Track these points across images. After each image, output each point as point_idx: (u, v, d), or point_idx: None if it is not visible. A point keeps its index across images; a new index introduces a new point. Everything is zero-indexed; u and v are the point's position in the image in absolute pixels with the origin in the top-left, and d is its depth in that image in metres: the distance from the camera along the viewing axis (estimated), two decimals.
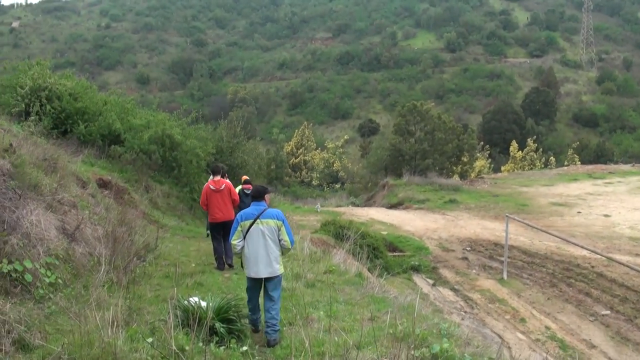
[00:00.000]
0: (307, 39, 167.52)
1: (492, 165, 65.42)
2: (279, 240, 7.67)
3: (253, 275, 7.63)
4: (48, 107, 21.83)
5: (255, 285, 7.77)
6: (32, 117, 21.50)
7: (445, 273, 22.11)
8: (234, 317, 6.71)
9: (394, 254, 23.89)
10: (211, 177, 12.92)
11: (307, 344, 5.77)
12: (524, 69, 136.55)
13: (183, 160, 21.80)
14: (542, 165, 62.91)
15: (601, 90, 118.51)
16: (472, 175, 49.28)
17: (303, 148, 74.40)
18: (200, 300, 7.15)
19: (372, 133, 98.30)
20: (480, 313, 18.84)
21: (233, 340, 6.34)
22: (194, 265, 11.53)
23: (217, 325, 6.31)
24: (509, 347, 16.06)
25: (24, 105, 21.92)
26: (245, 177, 17.20)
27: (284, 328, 7.47)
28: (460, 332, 7.75)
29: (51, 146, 17.59)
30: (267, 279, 7.66)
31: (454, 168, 46.35)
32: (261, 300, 7.89)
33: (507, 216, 22.44)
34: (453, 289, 20.80)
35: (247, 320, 7.06)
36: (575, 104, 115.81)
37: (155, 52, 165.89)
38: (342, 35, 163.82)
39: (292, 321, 7.85)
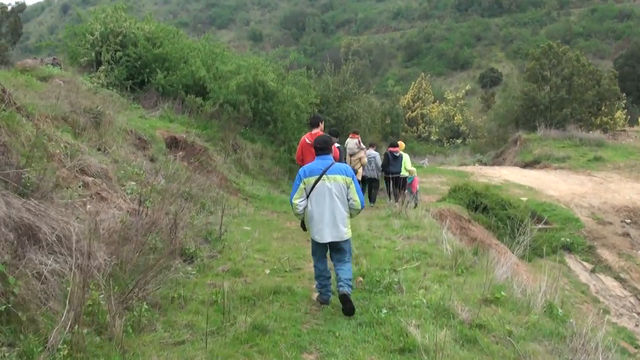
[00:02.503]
0: None
1: (629, 117, 57.66)
2: (348, 200, 6.55)
3: (317, 239, 6.52)
4: (120, 54, 18.50)
5: (322, 251, 6.67)
6: (103, 67, 18.37)
7: (605, 254, 17.79)
8: None
9: (538, 226, 19.37)
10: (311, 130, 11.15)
11: None
12: None
13: (279, 112, 17.81)
14: None
15: None
16: (615, 127, 42.62)
17: (420, 101, 68.98)
18: None
19: (494, 83, 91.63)
20: None
21: None
22: (268, 272, 7.39)
23: None
24: None
25: (94, 54, 18.80)
26: (400, 143, 16.73)
27: None
28: None
29: (101, 96, 14.10)
30: (333, 244, 6.54)
31: (593, 119, 39.95)
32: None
33: None
34: (618, 278, 16.74)
35: None
36: None
37: (268, 8, 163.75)
38: None
39: None
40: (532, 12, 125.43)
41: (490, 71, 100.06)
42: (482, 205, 17.63)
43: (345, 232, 6.48)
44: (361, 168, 14.70)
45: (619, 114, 51.66)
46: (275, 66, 19.22)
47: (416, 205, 15.46)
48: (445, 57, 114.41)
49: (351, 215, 6.67)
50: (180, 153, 14.08)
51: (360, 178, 14.52)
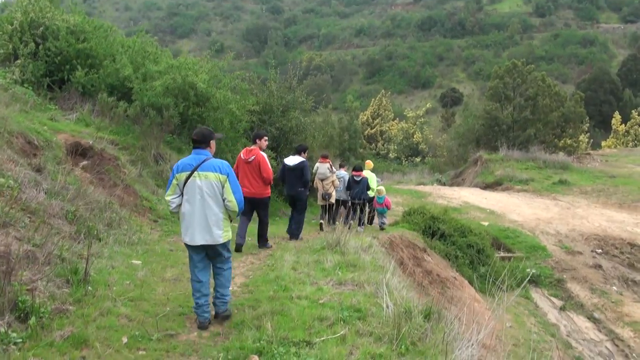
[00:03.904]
0: (387, 5, 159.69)
1: (592, 140, 57.62)
2: (223, 200, 5.96)
3: (187, 241, 5.96)
4: (40, 47, 16.16)
5: (197, 255, 6.04)
6: (18, 61, 15.98)
7: (576, 289, 16.15)
8: None
9: (500, 253, 17.72)
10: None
11: None
12: (618, 35, 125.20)
13: (211, 119, 15.58)
14: None
15: None
16: (578, 150, 41.83)
17: (380, 118, 67.84)
18: None
19: (455, 103, 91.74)
20: None
21: None
22: (125, 340, 4.92)
23: None
24: None
25: (10, 47, 16.36)
26: (368, 162, 16.43)
27: None
28: None
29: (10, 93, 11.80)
30: (209, 248, 6.00)
31: (557, 141, 39.17)
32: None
33: None
34: (591, 318, 14.82)
35: None
36: None
37: (230, 19, 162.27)
38: (424, 0, 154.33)
39: None
40: (495, 35, 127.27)
41: (451, 91, 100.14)
42: (439, 232, 15.70)
43: (221, 236, 5.97)
44: (334, 191, 14.00)
45: (582, 137, 51.24)
46: (209, 67, 16.98)
47: (382, 228, 14.91)
48: (406, 76, 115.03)
49: (230, 217, 6.14)
50: (84, 162, 11.77)
51: (334, 201, 14.11)
